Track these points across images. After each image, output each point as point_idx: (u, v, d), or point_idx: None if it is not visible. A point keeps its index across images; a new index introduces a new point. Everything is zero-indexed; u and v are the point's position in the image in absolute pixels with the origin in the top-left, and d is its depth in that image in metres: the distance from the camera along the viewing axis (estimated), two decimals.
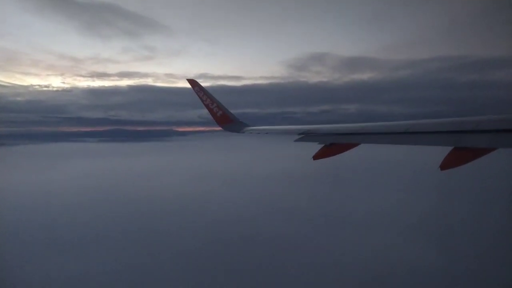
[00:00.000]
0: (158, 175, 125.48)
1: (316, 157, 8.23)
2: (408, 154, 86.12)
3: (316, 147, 8.37)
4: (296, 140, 9.35)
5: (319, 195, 66.49)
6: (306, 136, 9.18)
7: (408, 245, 45.26)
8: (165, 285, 38.86)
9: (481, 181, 65.95)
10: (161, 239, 52.85)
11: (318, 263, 40.39)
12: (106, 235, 57.12)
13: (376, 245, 44.71)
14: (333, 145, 8.12)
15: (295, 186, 74.27)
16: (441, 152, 6.01)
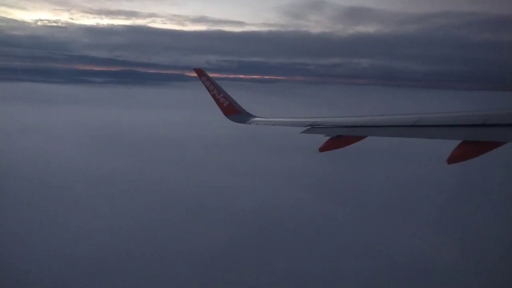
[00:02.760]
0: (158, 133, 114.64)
1: (323, 149, 8.26)
2: (415, 147, 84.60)
3: (323, 139, 8.37)
4: (302, 132, 9.38)
5: (320, 189, 65.34)
6: (312, 128, 9.20)
7: (411, 242, 44.79)
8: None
9: (489, 176, 65.08)
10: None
11: (318, 262, 40.12)
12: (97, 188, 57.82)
13: (379, 243, 44.29)
14: (340, 138, 8.14)
15: (295, 178, 72.65)
16: (448, 146, 5.97)
